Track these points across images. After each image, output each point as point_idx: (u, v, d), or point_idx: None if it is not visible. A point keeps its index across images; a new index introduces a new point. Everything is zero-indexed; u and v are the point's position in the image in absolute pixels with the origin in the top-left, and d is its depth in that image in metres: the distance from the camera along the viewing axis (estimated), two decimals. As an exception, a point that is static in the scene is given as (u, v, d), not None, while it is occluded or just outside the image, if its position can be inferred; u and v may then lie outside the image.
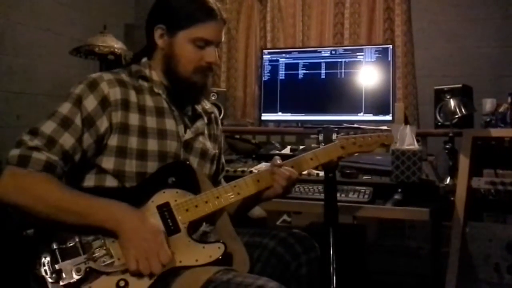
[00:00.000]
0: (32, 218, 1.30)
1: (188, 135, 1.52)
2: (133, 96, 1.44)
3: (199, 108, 1.61)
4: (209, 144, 1.61)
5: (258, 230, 1.57)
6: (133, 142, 1.40)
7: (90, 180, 1.40)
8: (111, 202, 1.30)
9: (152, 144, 1.43)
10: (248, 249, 1.45)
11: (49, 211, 1.27)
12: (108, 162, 1.38)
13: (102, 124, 1.38)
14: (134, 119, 1.42)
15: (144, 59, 1.55)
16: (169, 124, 1.48)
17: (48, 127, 1.33)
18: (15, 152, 1.29)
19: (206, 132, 1.61)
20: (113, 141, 1.39)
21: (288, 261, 1.45)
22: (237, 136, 2.81)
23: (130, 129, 1.41)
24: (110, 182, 1.39)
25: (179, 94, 1.52)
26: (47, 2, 3.01)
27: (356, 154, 1.68)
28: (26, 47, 2.87)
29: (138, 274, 1.24)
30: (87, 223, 1.27)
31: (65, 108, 1.36)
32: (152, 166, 1.41)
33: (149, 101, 1.47)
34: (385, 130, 2.25)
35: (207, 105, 1.68)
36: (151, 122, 1.44)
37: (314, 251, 1.49)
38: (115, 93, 1.40)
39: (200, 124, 1.58)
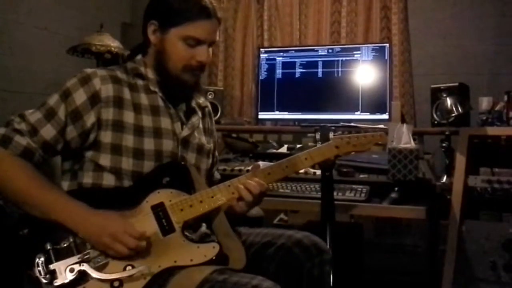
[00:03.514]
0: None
1: (185, 131, 1.52)
2: (127, 94, 1.44)
3: (193, 103, 1.62)
4: (204, 139, 1.61)
5: (270, 230, 1.56)
6: (129, 140, 1.40)
7: (88, 178, 1.40)
8: (73, 204, 1.31)
9: (149, 143, 1.43)
10: (261, 248, 1.47)
11: (16, 199, 1.31)
12: (105, 160, 1.39)
13: (89, 119, 1.38)
14: (129, 117, 1.42)
15: (139, 56, 1.55)
16: (165, 122, 1.48)
17: (34, 116, 1.37)
18: (0, 130, 1.34)
19: (201, 126, 1.62)
20: (107, 138, 1.39)
21: (303, 261, 1.45)
22: (234, 135, 2.81)
23: (125, 126, 1.41)
24: (108, 179, 1.39)
25: (170, 91, 1.52)
26: (43, 1, 3.01)
27: (352, 153, 1.68)
28: (22, 46, 2.86)
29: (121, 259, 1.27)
30: (49, 219, 1.28)
31: (52, 100, 1.39)
32: (148, 165, 1.41)
33: (144, 100, 1.47)
34: (380, 129, 2.26)
35: (200, 99, 1.68)
36: (147, 121, 1.45)
37: (327, 254, 1.49)
38: (107, 90, 1.41)
39: (195, 119, 1.59)
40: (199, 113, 1.62)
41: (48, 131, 1.36)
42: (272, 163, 1.54)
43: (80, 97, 1.38)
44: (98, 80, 1.41)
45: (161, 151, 1.44)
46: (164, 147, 1.45)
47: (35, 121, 1.36)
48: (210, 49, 1.50)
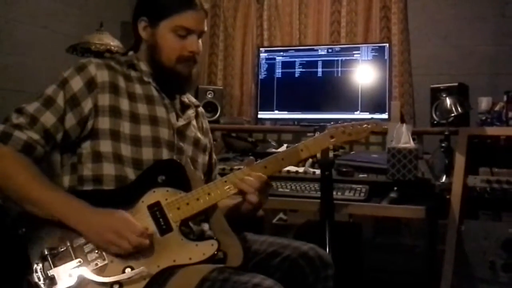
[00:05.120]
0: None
1: (181, 122, 1.54)
2: (122, 82, 1.46)
3: (186, 100, 1.64)
4: (199, 134, 1.63)
5: (276, 240, 1.55)
6: (125, 127, 1.42)
7: (87, 170, 1.41)
8: (74, 202, 1.30)
9: (145, 130, 1.44)
10: (266, 258, 1.47)
11: (17, 196, 1.30)
12: (105, 146, 1.40)
13: (87, 105, 1.40)
14: (124, 104, 1.44)
15: (130, 53, 1.59)
16: (160, 111, 1.50)
17: (32, 106, 1.37)
18: None
19: (194, 123, 1.63)
20: (104, 124, 1.40)
21: (307, 274, 1.45)
22: (234, 134, 2.81)
23: (122, 113, 1.42)
24: (108, 169, 1.39)
25: (165, 84, 1.54)
26: (43, -1, 3.00)
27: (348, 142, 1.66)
28: (22, 45, 2.86)
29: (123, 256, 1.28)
30: (50, 217, 1.28)
31: (50, 89, 1.40)
32: (147, 152, 1.42)
33: (138, 89, 1.49)
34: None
35: (192, 99, 1.71)
36: (142, 109, 1.46)
37: (331, 269, 1.49)
38: (102, 75, 1.43)
39: (190, 112, 1.61)
40: (193, 109, 1.64)
41: (48, 119, 1.36)
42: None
43: (77, 83, 1.40)
44: (93, 66, 1.43)
45: (159, 138, 1.46)
46: (161, 135, 1.47)
47: (34, 110, 1.36)
48: (200, 41, 1.53)
